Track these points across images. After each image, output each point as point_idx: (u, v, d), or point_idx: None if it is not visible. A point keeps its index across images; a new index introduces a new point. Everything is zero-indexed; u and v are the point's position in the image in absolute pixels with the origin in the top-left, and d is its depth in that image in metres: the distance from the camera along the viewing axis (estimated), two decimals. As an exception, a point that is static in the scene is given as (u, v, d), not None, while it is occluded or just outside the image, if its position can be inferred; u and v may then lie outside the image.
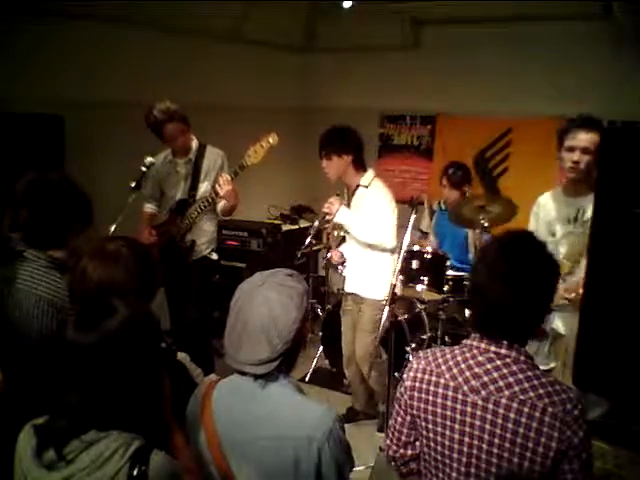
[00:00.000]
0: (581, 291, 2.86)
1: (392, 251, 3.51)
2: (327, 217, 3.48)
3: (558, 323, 2.88)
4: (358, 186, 3.50)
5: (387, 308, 3.05)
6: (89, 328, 1.33)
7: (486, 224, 3.79)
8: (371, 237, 3.41)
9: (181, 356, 1.90)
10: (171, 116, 3.47)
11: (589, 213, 2.86)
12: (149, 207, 3.84)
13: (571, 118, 2.89)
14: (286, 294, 1.51)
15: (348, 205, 3.57)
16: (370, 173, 3.53)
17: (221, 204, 3.65)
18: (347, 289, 3.71)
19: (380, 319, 3.46)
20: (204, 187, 3.68)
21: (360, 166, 3.50)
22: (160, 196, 3.83)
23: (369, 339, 3.52)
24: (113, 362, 1.31)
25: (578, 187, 2.89)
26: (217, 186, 3.44)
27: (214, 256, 3.85)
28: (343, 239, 4.15)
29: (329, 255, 3.83)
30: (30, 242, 1.95)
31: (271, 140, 3.43)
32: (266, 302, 1.49)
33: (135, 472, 1.27)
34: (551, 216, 3.01)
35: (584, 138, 2.77)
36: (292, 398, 1.51)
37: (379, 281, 3.50)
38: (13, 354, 1.88)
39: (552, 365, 2.88)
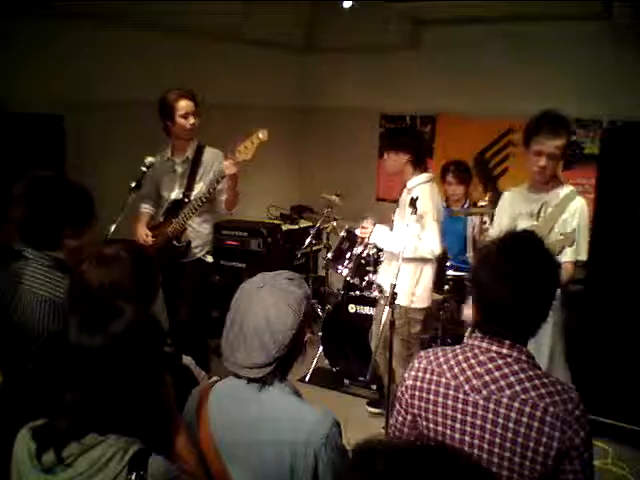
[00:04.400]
0: None
1: (430, 260, 3.48)
2: (365, 241, 3.51)
3: None
4: (414, 186, 3.49)
5: (387, 308, 3.05)
6: (95, 330, 1.32)
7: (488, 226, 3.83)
8: (411, 253, 3.33)
9: (187, 360, 1.90)
10: (185, 94, 3.53)
11: (551, 208, 2.94)
12: (145, 207, 3.82)
13: (539, 116, 2.90)
14: (284, 300, 1.49)
15: (398, 203, 3.56)
16: (421, 176, 3.49)
17: (223, 197, 3.63)
18: (384, 286, 3.60)
19: (414, 325, 3.51)
20: (199, 187, 3.67)
21: (417, 167, 3.49)
22: (157, 196, 3.82)
23: (404, 345, 3.51)
24: (118, 364, 1.31)
25: (542, 184, 2.99)
26: (224, 167, 3.44)
27: (209, 259, 3.83)
28: (344, 239, 4.15)
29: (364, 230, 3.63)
30: (26, 242, 1.95)
31: (261, 136, 3.44)
32: (263, 307, 1.48)
33: (133, 477, 1.26)
34: (515, 211, 3.08)
35: (551, 145, 2.83)
36: (289, 402, 1.50)
37: (416, 288, 3.49)
38: (15, 354, 1.87)
39: None
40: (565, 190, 2.98)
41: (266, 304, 1.48)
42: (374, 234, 3.46)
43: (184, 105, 3.53)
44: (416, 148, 3.49)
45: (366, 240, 3.52)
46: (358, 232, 3.82)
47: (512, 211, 3.09)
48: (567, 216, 2.90)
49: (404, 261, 3.32)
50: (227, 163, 3.45)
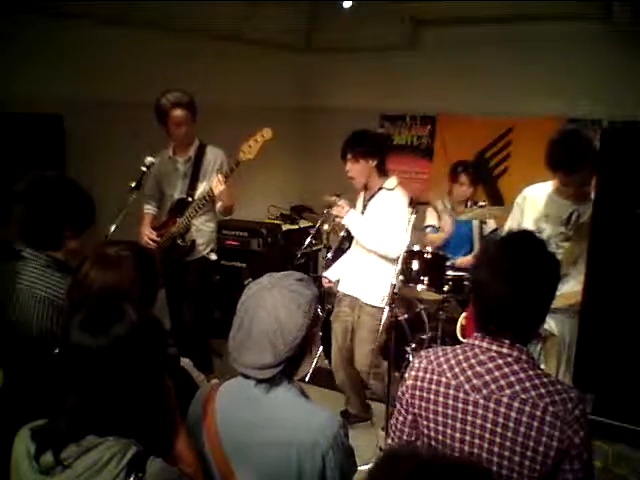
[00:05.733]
0: (579, 298, 2.89)
1: (395, 260, 3.48)
2: (337, 219, 3.46)
3: (551, 323, 2.88)
4: (380, 189, 3.50)
5: (387, 308, 3.05)
6: (98, 331, 1.31)
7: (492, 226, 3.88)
8: (375, 245, 3.41)
9: (184, 362, 1.90)
10: (180, 103, 3.49)
11: (584, 218, 2.89)
12: (148, 208, 3.83)
13: (559, 145, 2.82)
14: (294, 300, 1.49)
15: (364, 207, 3.56)
16: (394, 179, 3.54)
17: (219, 204, 3.65)
18: (344, 290, 3.68)
19: (379, 329, 3.48)
20: (203, 187, 3.67)
21: (383, 170, 3.50)
22: (160, 195, 3.82)
23: (369, 349, 3.51)
24: (119, 366, 1.30)
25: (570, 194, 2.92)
26: (212, 186, 3.46)
27: (213, 257, 3.83)
28: (344, 239, 4.15)
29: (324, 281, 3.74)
30: (26, 241, 1.94)
31: (265, 135, 3.45)
32: (273, 307, 1.47)
33: (132, 479, 1.26)
34: (539, 213, 3.00)
35: (575, 178, 2.79)
36: (296, 403, 1.50)
37: (381, 287, 3.49)
38: (13, 354, 1.87)
39: (542, 367, 2.90)
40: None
41: (276, 305, 1.48)
42: (349, 216, 3.43)
43: (177, 114, 3.51)
44: (382, 152, 3.50)
45: (339, 220, 3.45)
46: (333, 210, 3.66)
47: (534, 213, 3.01)
48: None
49: (371, 256, 3.43)
50: (215, 181, 3.44)
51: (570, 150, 2.76)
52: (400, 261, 3.06)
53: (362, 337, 3.55)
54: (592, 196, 2.95)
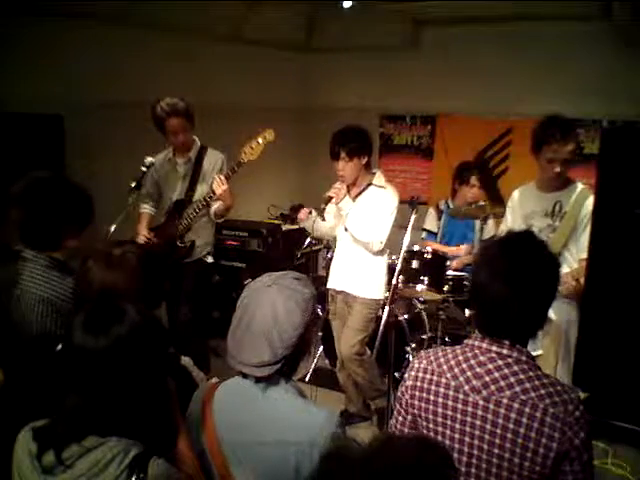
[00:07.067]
0: (573, 283, 2.99)
1: (383, 251, 3.52)
2: (332, 201, 3.42)
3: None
4: (369, 185, 3.49)
5: (387, 308, 3.05)
6: (99, 332, 1.31)
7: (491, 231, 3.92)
8: (363, 234, 3.40)
9: (185, 361, 1.89)
10: (175, 111, 3.48)
11: (567, 207, 3.05)
12: (145, 208, 3.82)
13: (546, 123, 2.96)
14: (292, 298, 1.50)
15: (353, 203, 3.55)
16: (381, 174, 3.55)
17: (215, 206, 3.63)
18: (337, 287, 3.67)
19: (372, 318, 3.48)
20: (201, 189, 3.67)
21: (369, 166, 3.50)
22: (158, 195, 3.82)
23: (358, 337, 3.50)
24: (121, 367, 1.30)
25: (552, 183, 3.06)
26: (214, 186, 3.45)
27: (209, 259, 3.82)
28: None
29: (299, 215, 3.65)
30: (26, 243, 1.95)
31: (267, 136, 3.44)
32: (271, 305, 1.48)
33: (133, 479, 1.26)
34: (527, 210, 3.14)
35: (564, 151, 2.91)
36: (294, 402, 1.50)
37: (374, 280, 3.51)
38: (13, 354, 1.87)
39: (539, 352, 2.95)
40: (577, 188, 3.08)
41: (275, 302, 1.48)
42: (345, 201, 3.41)
43: (173, 123, 3.50)
44: (371, 147, 3.48)
45: (334, 201, 3.39)
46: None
47: (523, 210, 3.14)
48: (585, 213, 3.01)
49: (358, 250, 3.45)
50: (216, 182, 3.42)
51: (558, 122, 2.93)
52: (400, 261, 3.06)
53: (352, 324, 3.54)
54: (576, 184, 3.09)
